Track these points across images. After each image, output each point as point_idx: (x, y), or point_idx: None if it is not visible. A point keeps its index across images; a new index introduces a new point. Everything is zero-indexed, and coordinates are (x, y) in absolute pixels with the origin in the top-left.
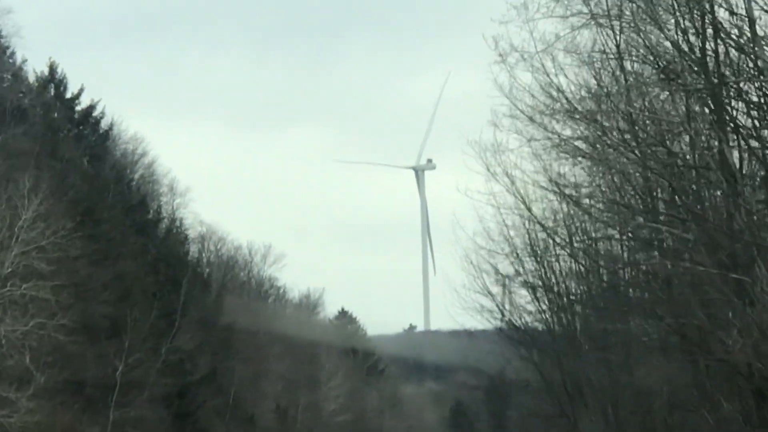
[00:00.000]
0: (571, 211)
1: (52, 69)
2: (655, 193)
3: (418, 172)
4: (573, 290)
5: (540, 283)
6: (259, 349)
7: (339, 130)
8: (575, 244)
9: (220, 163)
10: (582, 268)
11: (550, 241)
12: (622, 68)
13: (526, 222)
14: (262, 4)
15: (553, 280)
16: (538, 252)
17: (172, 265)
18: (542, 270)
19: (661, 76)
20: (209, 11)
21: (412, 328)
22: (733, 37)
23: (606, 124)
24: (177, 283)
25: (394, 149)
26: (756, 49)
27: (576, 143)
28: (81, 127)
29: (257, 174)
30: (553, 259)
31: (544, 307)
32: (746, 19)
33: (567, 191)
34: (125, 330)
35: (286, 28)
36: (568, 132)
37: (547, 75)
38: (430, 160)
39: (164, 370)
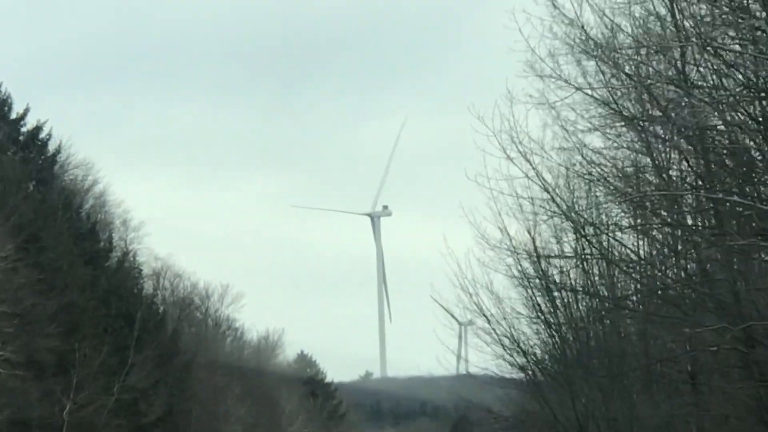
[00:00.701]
0: (595, 191)
1: None
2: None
3: (374, 218)
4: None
5: (544, 293)
6: (218, 391)
7: (296, 176)
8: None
9: (176, 206)
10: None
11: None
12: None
13: (531, 229)
14: (222, 52)
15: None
16: (540, 254)
17: (124, 299)
18: (545, 279)
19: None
20: (169, 56)
21: (368, 374)
22: None
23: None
24: (130, 318)
25: (352, 195)
26: None
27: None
28: (27, 150)
29: (214, 217)
30: (557, 269)
31: (549, 334)
32: None
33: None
34: (73, 366)
35: (246, 76)
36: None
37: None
38: (385, 207)
39: (116, 410)
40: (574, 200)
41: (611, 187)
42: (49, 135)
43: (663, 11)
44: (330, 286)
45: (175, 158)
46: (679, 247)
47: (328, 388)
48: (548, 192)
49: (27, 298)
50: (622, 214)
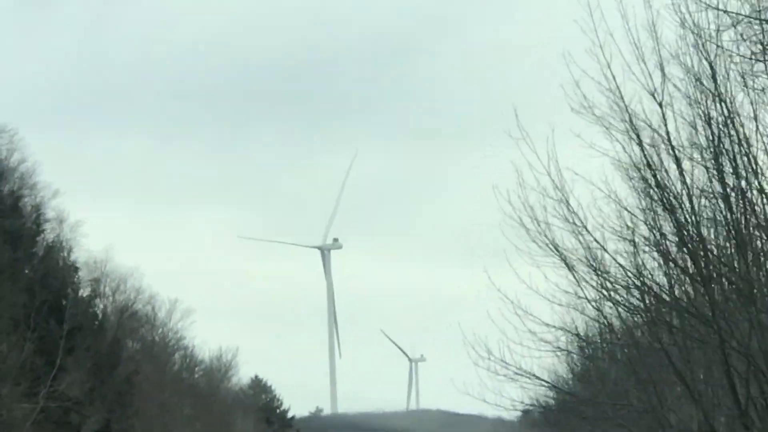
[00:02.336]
0: None
1: None
2: None
3: (324, 251)
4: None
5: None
6: (165, 409)
7: (248, 210)
8: None
9: (123, 237)
10: None
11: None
12: None
13: None
14: (171, 88)
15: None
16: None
17: (54, 291)
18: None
19: None
20: (121, 92)
21: (319, 410)
22: None
23: None
24: (59, 314)
25: (305, 229)
26: None
27: None
28: None
29: (162, 248)
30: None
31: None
32: None
33: None
34: None
35: (197, 109)
36: None
37: None
38: (336, 239)
39: (43, 421)
40: None
41: None
42: None
43: None
44: (281, 319)
45: (123, 193)
46: None
47: (285, 416)
48: None
49: None
50: None
